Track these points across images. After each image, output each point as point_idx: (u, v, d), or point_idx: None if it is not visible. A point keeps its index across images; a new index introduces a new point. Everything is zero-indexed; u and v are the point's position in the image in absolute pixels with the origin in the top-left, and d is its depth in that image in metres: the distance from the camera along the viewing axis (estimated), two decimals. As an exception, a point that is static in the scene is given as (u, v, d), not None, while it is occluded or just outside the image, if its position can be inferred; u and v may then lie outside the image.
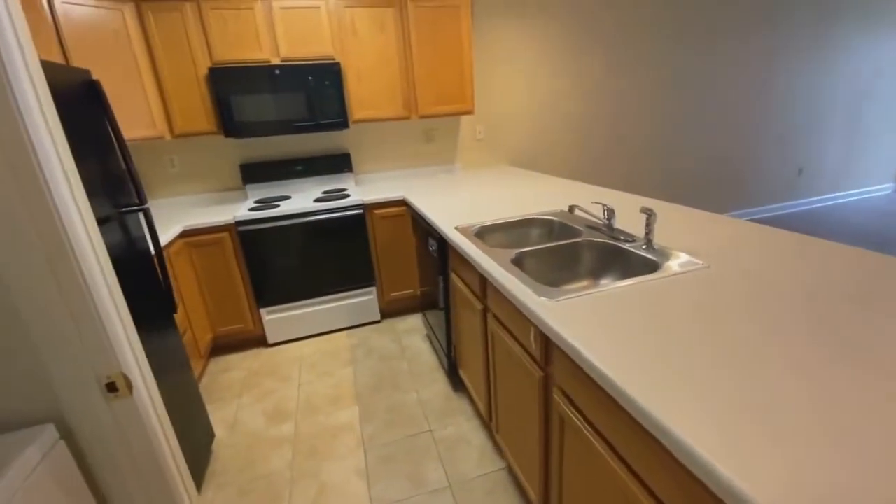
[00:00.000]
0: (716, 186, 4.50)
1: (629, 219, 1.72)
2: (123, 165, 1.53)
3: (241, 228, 2.51)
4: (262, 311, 2.72)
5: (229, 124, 2.56)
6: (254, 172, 2.96)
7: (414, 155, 3.39)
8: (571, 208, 1.70)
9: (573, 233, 1.71)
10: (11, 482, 0.82)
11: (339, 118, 2.74)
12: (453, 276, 1.89)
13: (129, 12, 2.31)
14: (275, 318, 2.75)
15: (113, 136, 1.49)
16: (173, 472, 1.03)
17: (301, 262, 2.68)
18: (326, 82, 2.66)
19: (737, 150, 4.44)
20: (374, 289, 2.89)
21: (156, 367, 1.55)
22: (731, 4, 3.92)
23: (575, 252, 1.55)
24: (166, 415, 1.08)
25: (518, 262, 1.45)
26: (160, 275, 1.68)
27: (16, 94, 0.71)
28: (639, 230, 1.57)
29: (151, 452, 0.96)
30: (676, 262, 1.26)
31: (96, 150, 1.44)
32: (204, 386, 2.44)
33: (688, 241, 1.43)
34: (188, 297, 2.39)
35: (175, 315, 1.77)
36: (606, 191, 2.29)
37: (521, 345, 1.26)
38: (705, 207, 4.52)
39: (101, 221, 1.44)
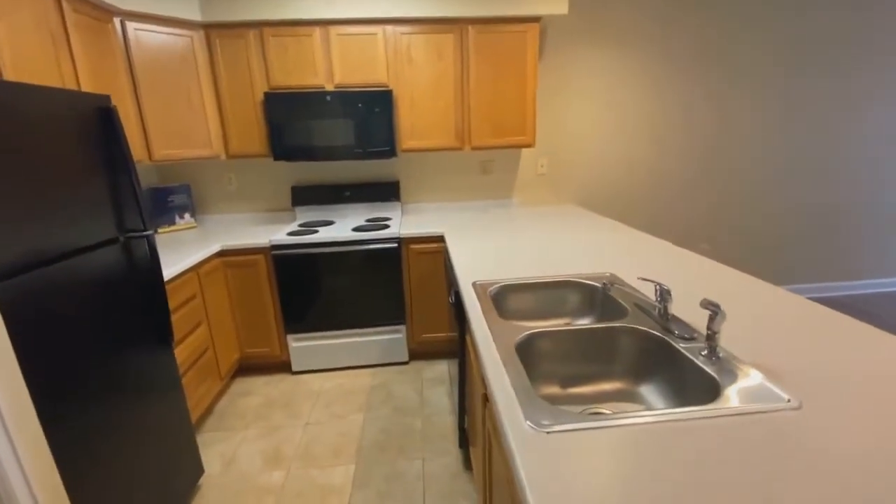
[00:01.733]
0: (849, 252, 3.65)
1: (696, 302, 1.32)
2: (132, 191, 1.50)
3: (276, 252, 2.48)
4: (290, 337, 2.65)
5: (278, 148, 2.57)
6: (304, 195, 2.96)
7: (468, 187, 3.18)
8: (606, 287, 1.34)
9: (617, 310, 1.35)
10: None
11: (386, 147, 2.62)
12: (468, 339, 1.61)
13: (198, 39, 2.42)
14: (301, 346, 2.66)
15: (126, 162, 1.47)
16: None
17: (332, 291, 2.58)
18: (377, 109, 2.57)
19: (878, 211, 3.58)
20: (403, 328, 2.69)
21: (141, 396, 1.48)
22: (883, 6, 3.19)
23: (611, 339, 1.20)
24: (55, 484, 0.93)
25: (527, 346, 1.14)
26: (160, 303, 1.63)
27: None
28: (704, 321, 1.17)
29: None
30: (747, 389, 0.86)
31: (109, 174, 1.43)
32: (220, 409, 2.40)
33: (778, 350, 1.01)
34: (216, 317, 2.38)
35: (174, 344, 1.71)
36: (679, 252, 1.86)
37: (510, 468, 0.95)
38: (829, 277, 3.68)
39: (105, 244, 1.41)
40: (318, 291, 2.57)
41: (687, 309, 1.25)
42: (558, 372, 1.19)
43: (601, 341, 1.19)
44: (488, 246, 2.08)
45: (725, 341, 1.06)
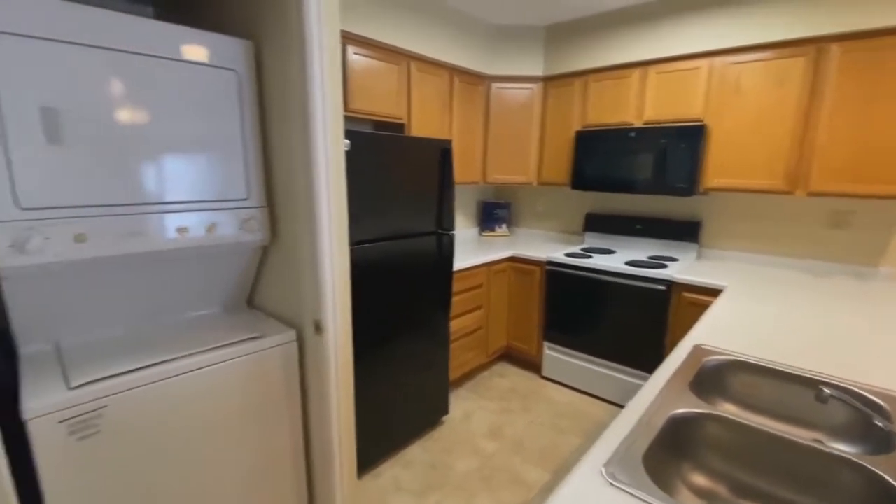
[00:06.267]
0: None
1: None
2: (449, 204, 2.20)
3: (549, 268, 2.83)
4: (546, 344, 2.96)
5: (576, 179, 2.89)
6: (595, 222, 3.17)
7: (804, 241, 2.49)
8: (873, 408, 0.92)
9: (878, 439, 0.93)
10: (282, 351, 1.49)
11: (684, 184, 2.47)
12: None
13: (537, 89, 3.05)
14: (552, 356, 2.93)
15: (450, 183, 2.19)
16: (332, 411, 1.50)
17: (591, 316, 2.70)
18: (682, 145, 2.46)
19: None
20: (654, 378, 2.48)
21: (420, 342, 2.20)
22: None
23: (828, 469, 0.87)
24: (348, 364, 1.51)
25: (696, 427, 1.01)
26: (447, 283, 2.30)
27: (315, 166, 1.35)
28: None
29: (323, 384, 1.51)
30: None
31: (439, 190, 2.18)
32: (480, 378, 3.02)
33: None
34: (495, 306, 2.99)
35: (450, 315, 2.37)
36: None
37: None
38: None
39: (428, 234, 2.18)
40: (578, 312, 2.75)
41: None
42: (734, 476, 0.98)
43: (811, 465, 0.89)
44: (769, 312, 1.69)
45: None
